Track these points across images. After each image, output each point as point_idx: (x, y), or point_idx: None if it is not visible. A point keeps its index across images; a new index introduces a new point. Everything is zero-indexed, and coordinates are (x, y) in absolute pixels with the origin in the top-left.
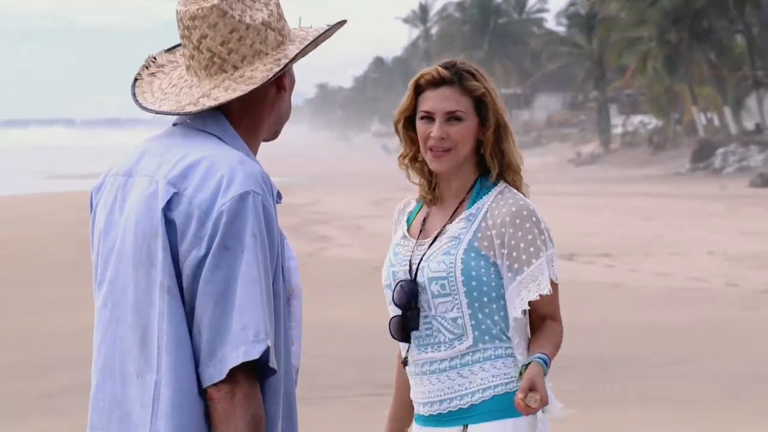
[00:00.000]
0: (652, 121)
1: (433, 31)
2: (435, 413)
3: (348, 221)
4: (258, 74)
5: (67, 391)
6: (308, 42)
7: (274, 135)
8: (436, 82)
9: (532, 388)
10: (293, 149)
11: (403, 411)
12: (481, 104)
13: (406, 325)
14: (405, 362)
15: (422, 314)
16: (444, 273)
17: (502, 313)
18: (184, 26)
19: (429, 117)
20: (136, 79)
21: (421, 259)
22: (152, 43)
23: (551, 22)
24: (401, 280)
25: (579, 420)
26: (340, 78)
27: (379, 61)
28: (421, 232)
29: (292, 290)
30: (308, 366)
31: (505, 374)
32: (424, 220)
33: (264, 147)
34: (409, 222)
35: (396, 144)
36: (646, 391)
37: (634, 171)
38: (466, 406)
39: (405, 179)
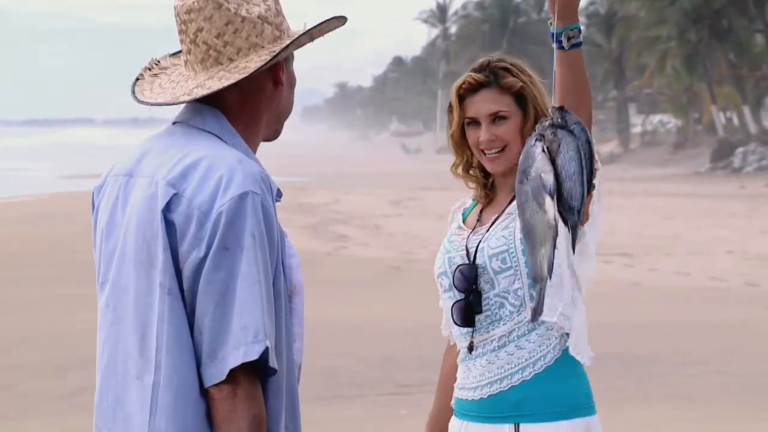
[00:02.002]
0: (671, 121)
1: (452, 30)
2: (486, 397)
3: (367, 220)
4: (252, 64)
5: (94, 389)
6: (302, 33)
7: (274, 134)
8: (474, 87)
9: None
10: (312, 149)
11: (448, 412)
12: (522, 98)
13: (470, 309)
14: (471, 348)
15: (483, 296)
16: (504, 246)
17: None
18: (181, 20)
19: (475, 122)
20: (137, 79)
21: (479, 243)
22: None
23: None
24: (459, 265)
25: (601, 418)
26: (359, 77)
27: (398, 61)
28: (477, 222)
29: (294, 287)
30: (327, 365)
31: (554, 344)
32: (480, 212)
33: (283, 147)
34: (464, 215)
35: (415, 143)
36: (668, 389)
37: (654, 170)
38: (518, 383)
39: (423, 179)
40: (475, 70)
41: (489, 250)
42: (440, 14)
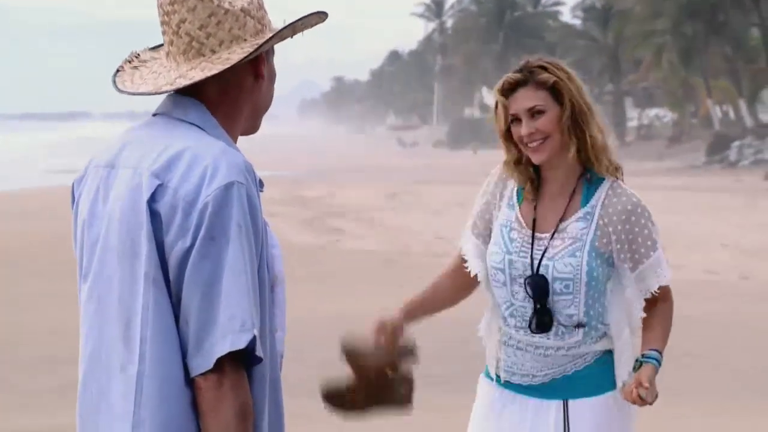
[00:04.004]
0: (667, 115)
1: (449, 24)
2: (536, 384)
3: (362, 214)
4: (234, 56)
5: None
6: (284, 26)
7: (253, 128)
8: (513, 87)
9: (643, 385)
10: (309, 142)
11: (427, 308)
12: (557, 93)
13: (542, 323)
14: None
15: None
16: (570, 275)
17: (602, 300)
18: (164, 12)
19: (517, 119)
20: (117, 71)
21: (543, 257)
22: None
23: (567, 16)
24: (529, 277)
25: None
26: (356, 72)
27: (395, 55)
28: (534, 222)
29: (275, 277)
30: (321, 358)
31: (603, 350)
32: (535, 208)
33: (280, 140)
34: (519, 200)
35: (411, 137)
36: (661, 383)
37: (650, 164)
38: (571, 372)
39: (419, 173)
40: (514, 71)
41: (555, 272)
42: (437, 8)
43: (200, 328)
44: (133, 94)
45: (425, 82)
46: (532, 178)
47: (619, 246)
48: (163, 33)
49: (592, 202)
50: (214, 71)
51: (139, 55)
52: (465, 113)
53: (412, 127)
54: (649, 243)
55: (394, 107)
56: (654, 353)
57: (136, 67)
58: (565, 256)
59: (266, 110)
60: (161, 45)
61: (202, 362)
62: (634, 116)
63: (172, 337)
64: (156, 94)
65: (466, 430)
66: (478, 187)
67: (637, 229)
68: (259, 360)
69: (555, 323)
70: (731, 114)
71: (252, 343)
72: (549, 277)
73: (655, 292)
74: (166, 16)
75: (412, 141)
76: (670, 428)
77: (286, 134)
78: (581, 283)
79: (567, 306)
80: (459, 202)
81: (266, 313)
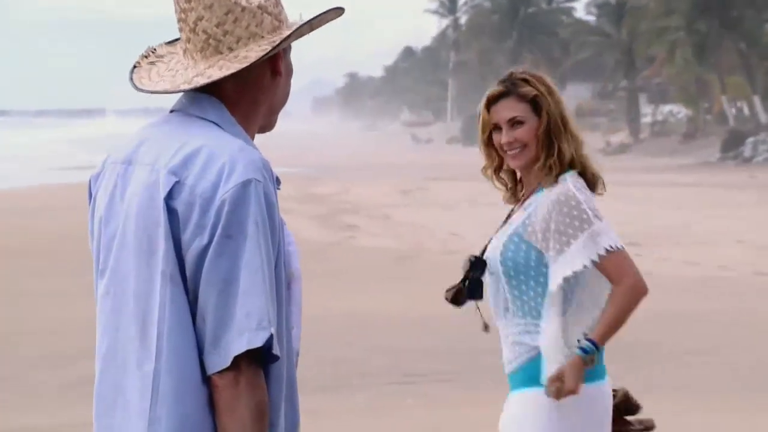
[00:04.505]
0: (681, 111)
1: (462, 21)
2: (507, 373)
3: (376, 210)
4: (252, 54)
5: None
6: (302, 23)
7: (269, 125)
8: (497, 98)
9: (560, 378)
10: (322, 139)
11: None
12: (537, 105)
13: (464, 293)
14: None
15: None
16: (494, 257)
17: (530, 290)
18: (180, 9)
19: (498, 128)
20: (134, 67)
21: (490, 240)
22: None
23: (581, 12)
24: (472, 254)
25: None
26: (369, 68)
27: (408, 51)
28: (507, 219)
29: (292, 274)
30: (334, 355)
31: (531, 347)
32: (513, 209)
33: (294, 137)
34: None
35: (425, 134)
36: (674, 379)
37: (664, 160)
38: (518, 363)
39: (433, 169)
40: (498, 82)
41: (488, 253)
42: (450, 5)
43: (217, 325)
44: (151, 92)
45: (439, 78)
46: (507, 184)
47: (540, 235)
48: (180, 30)
49: (538, 195)
50: (232, 70)
51: (155, 50)
52: (479, 109)
53: (425, 124)
54: (575, 225)
55: (408, 103)
56: (586, 344)
57: (152, 63)
58: (496, 240)
59: (283, 107)
60: (177, 39)
61: (218, 360)
62: (648, 113)
63: (189, 335)
64: (174, 92)
65: (473, 425)
66: (491, 184)
67: (559, 219)
68: (276, 358)
69: (497, 303)
70: (745, 110)
71: (269, 341)
72: (488, 257)
73: (595, 261)
74: (182, 14)
75: (426, 137)
76: (685, 425)
77: (299, 131)
78: (498, 263)
79: (495, 289)
80: (472, 198)
81: (283, 311)
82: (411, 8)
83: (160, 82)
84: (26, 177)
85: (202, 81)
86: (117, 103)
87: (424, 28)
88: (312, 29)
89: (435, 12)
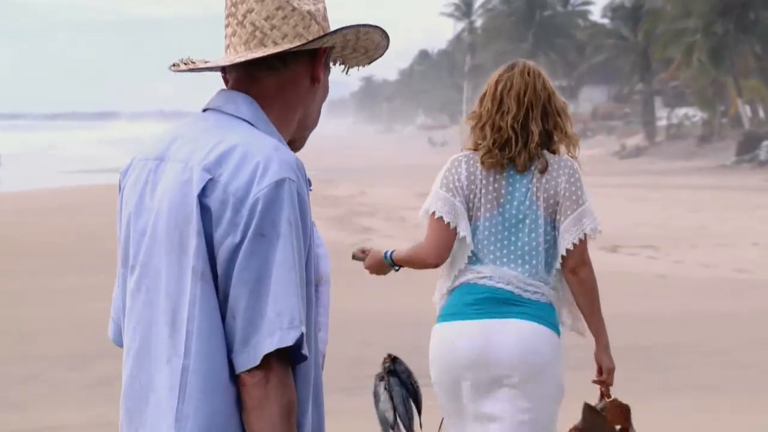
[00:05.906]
0: (697, 114)
1: (478, 24)
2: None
3: (392, 213)
4: (297, 41)
5: (120, 378)
6: (350, 26)
7: (300, 140)
8: None
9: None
10: (338, 142)
11: None
12: None
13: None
14: None
15: None
16: None
17: None
18: (231, 3)
19: None
20: (174, 64)
21: None
22: (202, 33)
23: (597, 15)
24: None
25: None
26: (385, 71)
27: (424, 54)
28: None
29: (321, 277)
30: (353, 355)
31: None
32: None
33: (309, 139)
34: None
35: (441, 136)
36: (692, 380)
37: (680, 163)
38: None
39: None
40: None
41: None
42: (466, 8)
43: (248, 324)
44: (189, 70)
45: (454, 81)
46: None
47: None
48: (227, 26)
49: None
50: (284, 47)
51: (194, 62)
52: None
53: (441, 127)
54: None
55: (423, 106)
56: (387, 253)
57: (191, 69)
58: None
59: (314, 126)
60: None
61: (248, 358)
62: (663, 116)
63: (218, 333)
64: (211, 69)
65: None
66: None
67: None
68: (305, 358)
69: None
70: (761, 113)
71: (299, 341)
72: None
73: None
74: (233, 7)
75: (442, 140)
76: (700, 424)
77: (316, 133)
78: None
79: None
80: None
81: (312, 312)
82: (426, 11)
83: (206, 64)
84: (45, 178)
85: (253, 55)
86: (132, 106)
87: (440, 31)
88: (358, 41)
89: (450, 15)
